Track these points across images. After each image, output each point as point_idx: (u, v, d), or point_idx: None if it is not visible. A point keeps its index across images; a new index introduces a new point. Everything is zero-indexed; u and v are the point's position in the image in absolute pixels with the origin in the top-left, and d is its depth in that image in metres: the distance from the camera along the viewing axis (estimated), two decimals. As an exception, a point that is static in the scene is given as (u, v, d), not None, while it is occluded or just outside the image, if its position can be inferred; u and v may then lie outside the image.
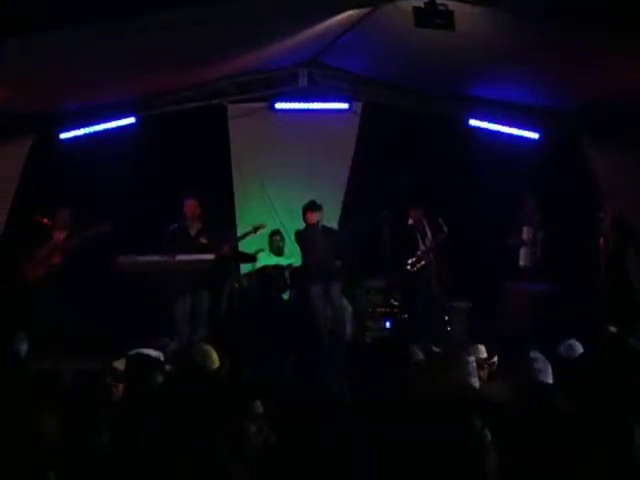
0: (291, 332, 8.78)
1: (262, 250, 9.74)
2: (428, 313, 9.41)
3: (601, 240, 8.63)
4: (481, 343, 5.50)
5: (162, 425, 3.01)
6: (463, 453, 2.65)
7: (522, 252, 9.42)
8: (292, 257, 9.89)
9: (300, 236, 9.05)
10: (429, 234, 9.50)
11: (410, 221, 9.54)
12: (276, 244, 9.87)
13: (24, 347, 5.38)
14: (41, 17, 5.58)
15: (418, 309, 9.47)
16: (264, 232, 9.61)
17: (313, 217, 8.84)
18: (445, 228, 9.33)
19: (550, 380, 3.93)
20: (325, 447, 3.05)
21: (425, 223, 9.54)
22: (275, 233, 9.91)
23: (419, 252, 9.42)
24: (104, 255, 8.56)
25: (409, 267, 9.40)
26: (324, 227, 9.03)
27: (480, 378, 4.74)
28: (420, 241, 9.48)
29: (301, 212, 8.94)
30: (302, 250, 9.18)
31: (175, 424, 2.89)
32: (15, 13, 5.46)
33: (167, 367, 4.26)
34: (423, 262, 9.41)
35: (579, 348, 5.08)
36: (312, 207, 8.87)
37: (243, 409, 2.84)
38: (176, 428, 2.84)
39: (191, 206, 8.88)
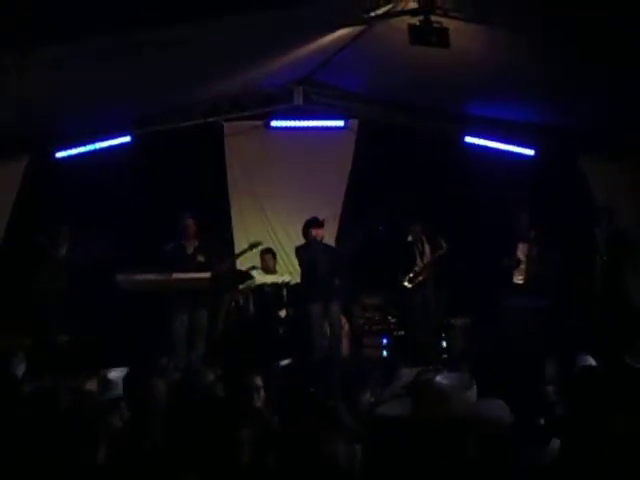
0: (287, 349, 8.73)
1: (254, 268, 9.71)
2: (425, 330, 9.39)
3: (597, 256, 8.65)
4: (477, 359, 5.43)
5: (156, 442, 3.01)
6: (459, 470, 2.63)
7: (517, 268, 9.39)
8: (284, 275, 9.87)
9: (301, 251, 9.00)
10: (427, 250, 9.50)
11: (410, 237, 9.54)
12: (268, 262, 9.84)
13: (22, 368, 5.37)
14: (39, 33, 5.59)
15: (415, 326, 9.46)
16: (258, 250, 9.59)
17: (316, 233, 8.84)
18: (445, 245, 9.32)
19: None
20: (321, 464, 3.03)
21: (424, 239, 9.54)
22: (267, 251, 9.87)
23: (416, 268, 9.42)
24: (102, 273, 8.57)
25: (406, 283, 9.39)
26: (323, 244, 9.01)
27: None
28: (418, 257, 9.47)
29: (300, 229, 8.94)
30: (302, 266, 9.11)
31: (167, 442, 2.88)
32: (14, 28, 5.47)
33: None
34: (420, 278, 9.41)
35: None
36: (315, 223, 8.85)
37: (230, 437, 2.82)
38: (168, 446, 2.83)
39: (189, 225, 8.87)
